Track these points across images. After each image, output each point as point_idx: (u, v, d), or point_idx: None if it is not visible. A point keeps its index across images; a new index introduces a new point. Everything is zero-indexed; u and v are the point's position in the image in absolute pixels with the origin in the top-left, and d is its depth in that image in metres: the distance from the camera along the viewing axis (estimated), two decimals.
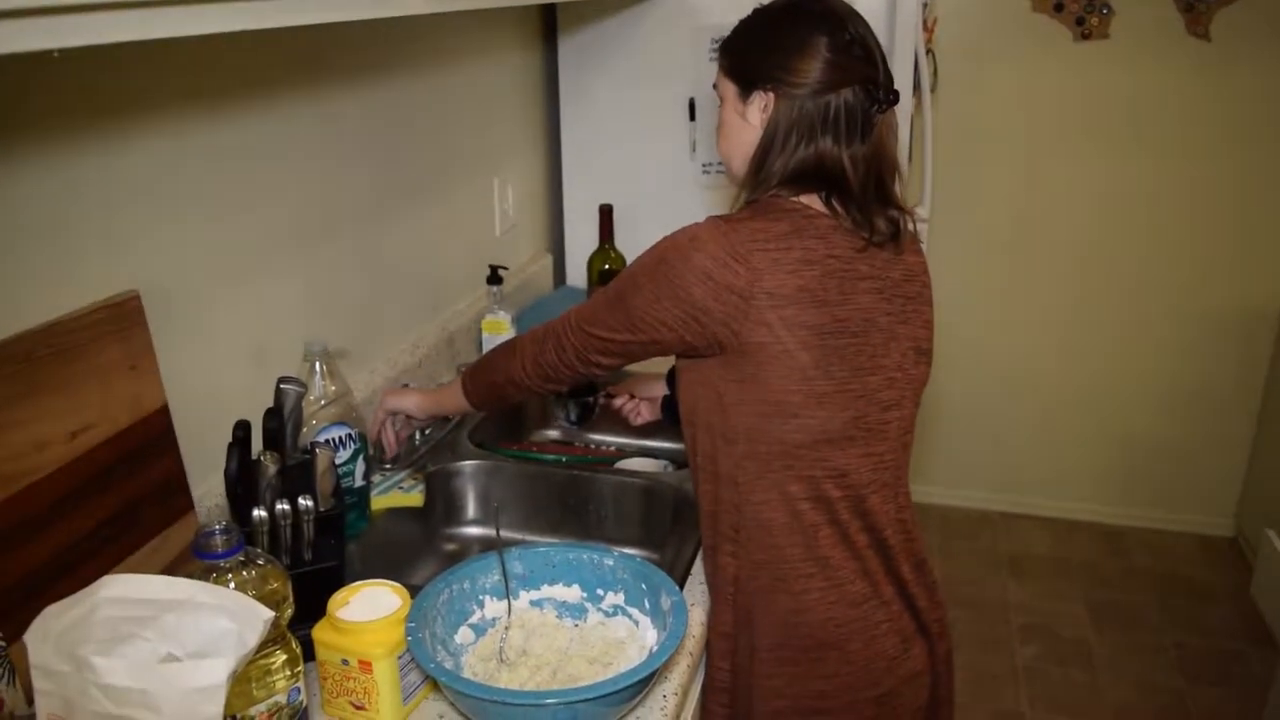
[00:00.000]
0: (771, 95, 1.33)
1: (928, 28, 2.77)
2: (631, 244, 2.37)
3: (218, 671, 0.83)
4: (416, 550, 1.79)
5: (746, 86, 1.36)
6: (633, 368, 1.63)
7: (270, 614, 0.92)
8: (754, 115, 1.36)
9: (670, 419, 1.71)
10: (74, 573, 1.19)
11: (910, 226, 1.40)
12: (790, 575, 1.34)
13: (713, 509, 1.38)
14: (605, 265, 2.25)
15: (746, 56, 1.37)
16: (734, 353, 1.28)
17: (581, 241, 2.64)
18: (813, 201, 1.33)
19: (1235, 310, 3.50)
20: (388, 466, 1.78)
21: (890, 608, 1.39)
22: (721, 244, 1.26)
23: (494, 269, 2.11)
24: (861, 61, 1.31)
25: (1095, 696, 2.97)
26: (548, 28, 2.59)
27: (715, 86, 1.44)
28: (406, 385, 1.88)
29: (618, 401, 1.86)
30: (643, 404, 1.84)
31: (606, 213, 2.25)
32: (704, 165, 2.52)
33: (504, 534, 1.40)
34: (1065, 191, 3.50)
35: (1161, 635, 3.22)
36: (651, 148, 2.56)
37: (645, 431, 2.11)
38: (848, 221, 1.31)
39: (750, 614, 1.37)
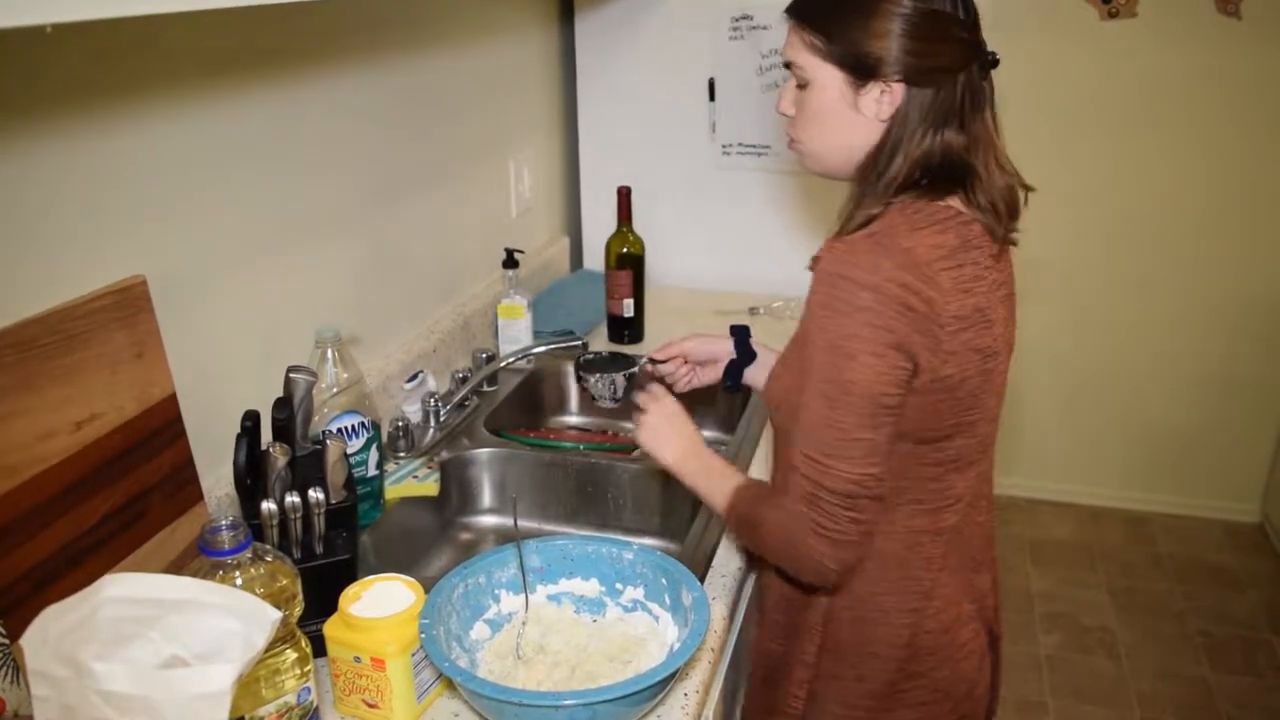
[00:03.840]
0: (900, 86, 1.16)
1: None
2: (650, 226, 2.33)
3: (223, 677, 0.80)
4: (431, 540, 1.76)
5: (862, 74, 1.17)
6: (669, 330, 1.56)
7: (278, 614, 0.89)
8: (870, 107, 1.18)
9: (734, 386, 1.63)
10: (81, 566, 1.16)
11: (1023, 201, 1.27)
12: (894, 608, 1.27)
13: None
14: (624, 248, 2.21)
15: (860, 38, 1.16)
16: (914, 392, 1.15)
17: (599, 224, 2.60)
18: (954, 203, 1.19)
19: (1262, 294, 3.43)
20: (402, 455, 1.75)
21: (970, 625, 1.33)
22: (906, 268, 1.11)
23: (510, 252, 2.07)
24: (977, 29, 1.18)
25: (1119, 686, 2.93)
26: (565, 6, 2.55)
27: (790, 65, 1.23)
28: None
29: (667, 367, 1.67)
30: (696, 369, 1.67)
31: (625, 195, 2.21)
32: (724, 146, 2.48)
33: (520, 524, 1.36)
34: (1090, 173, 3.43)
35: (1186, 623, 3.18)
36: (670, 129, 2.52)
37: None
38: (988, 219, 1.20)
39: (840, 644, 1.30)
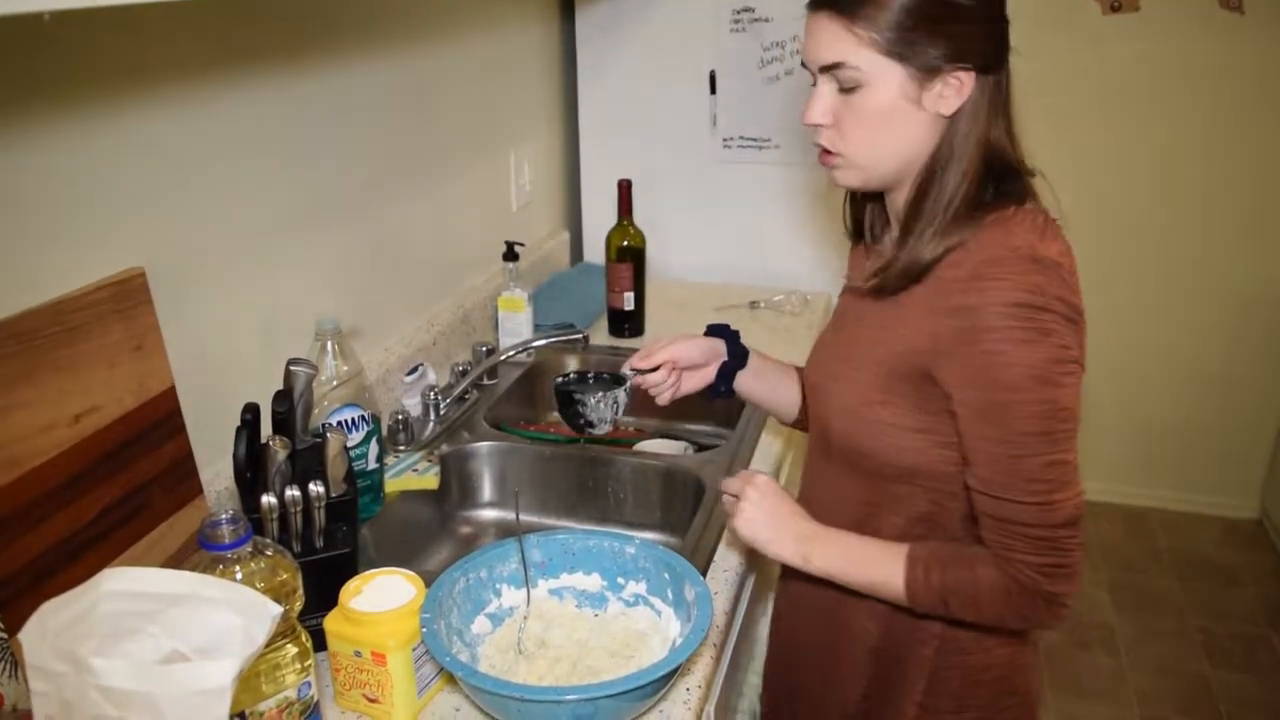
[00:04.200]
0: (970, 76, 1.08)
1: None
2: (651, 220, 2.33)
3: (224, 673, 0.79)
4: (431, 534, 1.75)
5: (930, 68, 1.08)
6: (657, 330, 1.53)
7: (279, 609, 0.88)
8: (933, 102, 1.09)
9: (727, 391, 1.50)
10: (80, 560, 1.15)
11: None
12: (1002, 632, 1.23)
13: None
14: (624, 241, 2.20)
15: (926, 27, 1.06)
16: None
17: (599, 217, 2.60)
18: (1032, 203, 1.15)
19: (1261, 290, 3.42)
20: (402, 449, 1.74)
21: (1035, 631, 1.30)
22: (1061, 281, 1.07)
23: (510, 245, 2.06)
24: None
25: (1118, 681, 2.92)
26: None
27: (835, 67, 1.10)
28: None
29: (656, 375, 1.46)
30: (682, 375, 1.48)
31: (625, 188, 2.20)
32: (725, 139, 2.47)
33: (521, 518, 1.34)
34: (1090, 167, 3.42)
35: (1185, 619, 3.17)
36: (671, 122, 2.52)
37: (670, 410, 2.05)
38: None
39: (948, 677, 1.26)
